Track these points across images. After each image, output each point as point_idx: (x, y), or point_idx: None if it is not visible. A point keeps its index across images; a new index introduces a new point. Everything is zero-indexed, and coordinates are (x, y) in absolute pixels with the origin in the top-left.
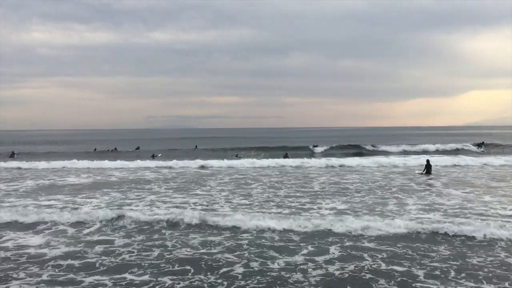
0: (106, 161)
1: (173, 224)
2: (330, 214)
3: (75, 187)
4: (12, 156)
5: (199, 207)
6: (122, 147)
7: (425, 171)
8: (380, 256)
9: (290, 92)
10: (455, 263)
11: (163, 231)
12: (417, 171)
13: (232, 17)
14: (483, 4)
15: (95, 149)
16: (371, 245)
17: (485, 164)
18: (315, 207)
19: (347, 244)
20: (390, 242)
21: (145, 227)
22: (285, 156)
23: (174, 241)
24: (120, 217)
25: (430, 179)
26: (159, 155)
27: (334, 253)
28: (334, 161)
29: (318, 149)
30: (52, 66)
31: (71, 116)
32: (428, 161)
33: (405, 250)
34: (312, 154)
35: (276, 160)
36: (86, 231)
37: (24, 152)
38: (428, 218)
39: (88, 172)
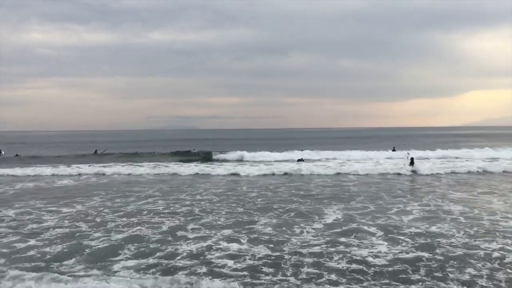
0: (112, 164)
1: None
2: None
3: (61, 191)
4: None
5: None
6: (123, 149)
7: (410, 164)
8: None
9: (291, 92)
10: None
11: None
12: (403, 164)
13: (232, 17)
14: (483, 4)
15: (95, 151)
16: None
17: None
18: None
19: None
20: None
21: None
22: (299, 160)
23: None
24: None
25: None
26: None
27: None
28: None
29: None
30: (51, 67)
31: (71, 117)
32: (412, 159)
33: None
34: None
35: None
36: None
37: (28, 155)
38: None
39: (84, 175)
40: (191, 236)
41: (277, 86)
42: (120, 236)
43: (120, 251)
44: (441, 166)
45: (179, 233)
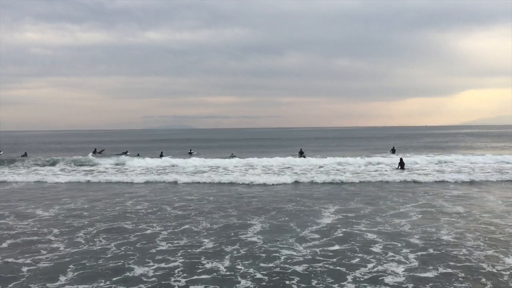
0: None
1: None
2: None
3: (48, 192)
4: None
5: None
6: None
7: (399, 167)
8: None
9: (286, 92)
10: None
11: None
12: (394, 168)
13: (227, 16)
14: (478, 4)
15: (95, 150)
16: None
17: None
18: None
19: None
20: None
21: None
22: (301, 153)
23: None
24: None
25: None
26: (194, 152)
27: None
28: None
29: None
30: (47, 67)
31: (68, 117)
32: (401, 159)
33: None
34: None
35: None
36: None
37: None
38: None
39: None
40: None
41: (273, 86)
42: (76, 249)
43: (62, 274)
44: (433, 168)
45: None
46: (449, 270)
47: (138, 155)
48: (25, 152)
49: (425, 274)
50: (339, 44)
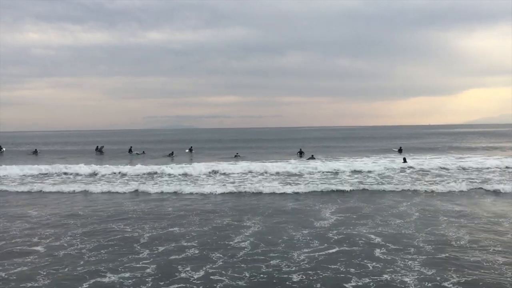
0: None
1: None
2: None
3: (48, 192)
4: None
5: None
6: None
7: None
8: None
9: (288, 92)
10: None
11: None
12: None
13: (227, 16)
14: (478, 3)
15: (96, 147)
16: None
17: None
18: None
19: None
20: None
21: None
22: (300, 153)
23: None
24: None
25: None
26: (194, 151)
27: None
28: None
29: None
30: (48, 67)
31: (69, 117)
32: (404, 158)
33: None
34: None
35: None
36: None
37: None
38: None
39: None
40: None
41: (275, 85)
42: (44, 260)
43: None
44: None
45: None
46: (470, 278)
47: (143, 152)
48: (36, 149)
49: (443, 283)
50: (340, 44)
